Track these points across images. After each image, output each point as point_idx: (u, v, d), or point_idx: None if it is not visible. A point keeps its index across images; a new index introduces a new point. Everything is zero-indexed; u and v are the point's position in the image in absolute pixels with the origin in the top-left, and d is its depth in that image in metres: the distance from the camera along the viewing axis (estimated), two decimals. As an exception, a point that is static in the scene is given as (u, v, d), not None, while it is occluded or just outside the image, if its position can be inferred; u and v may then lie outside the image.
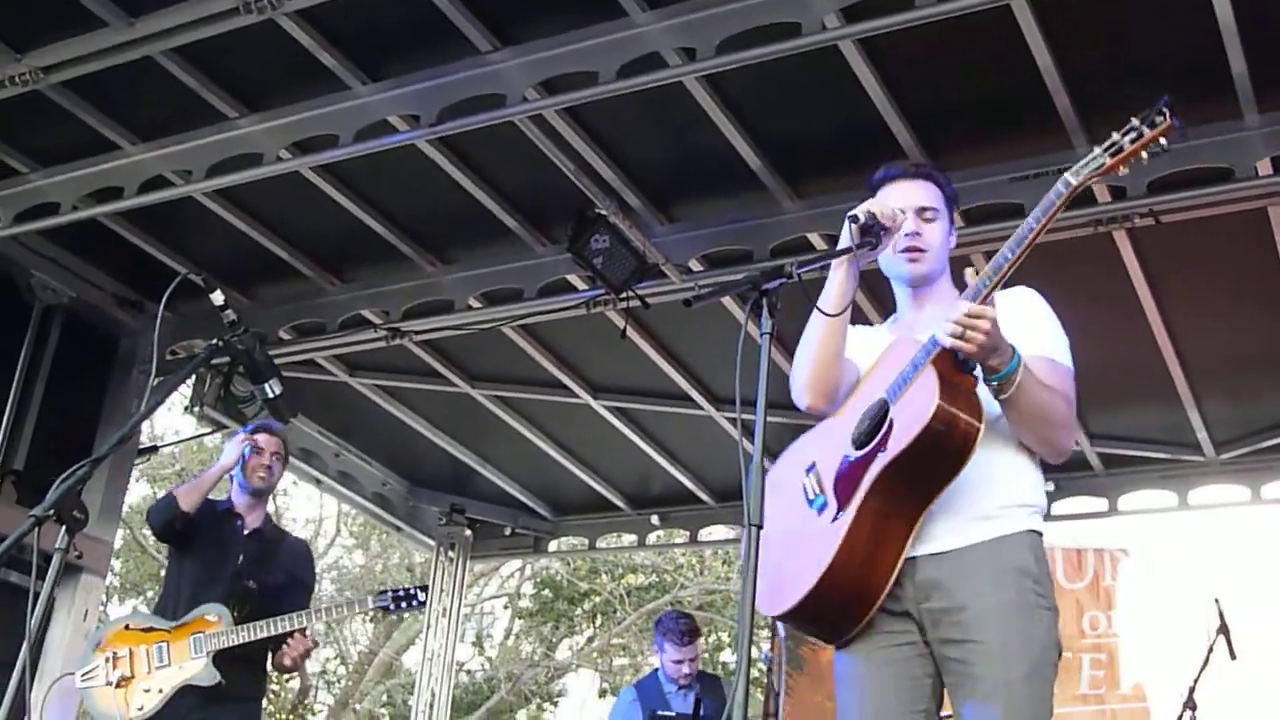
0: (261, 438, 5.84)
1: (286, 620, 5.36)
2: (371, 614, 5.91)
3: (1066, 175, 2.85)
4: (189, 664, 5.31)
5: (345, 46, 5.72)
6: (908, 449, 2.92)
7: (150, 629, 5.47)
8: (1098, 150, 2.83)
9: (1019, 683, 2.88)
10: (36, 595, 2.69)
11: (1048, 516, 8.43)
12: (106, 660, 5.38)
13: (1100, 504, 8.56)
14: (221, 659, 5.35)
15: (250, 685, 5.63)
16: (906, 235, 3.26)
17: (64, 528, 2.71)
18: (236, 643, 5.32)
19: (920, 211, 3.31)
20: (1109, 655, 10.07)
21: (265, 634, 5.36)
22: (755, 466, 2.64)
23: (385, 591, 5.64)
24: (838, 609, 3.06)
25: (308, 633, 5.44)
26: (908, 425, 2.94)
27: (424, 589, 5.68)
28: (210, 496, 5.82)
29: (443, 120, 5.68)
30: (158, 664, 5.33)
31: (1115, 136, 2.81)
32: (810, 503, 3.12)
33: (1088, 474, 8.42)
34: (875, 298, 5.76)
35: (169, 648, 5.36)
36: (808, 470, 3.19)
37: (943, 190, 3.39)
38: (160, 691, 5.28)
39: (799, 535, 2.82)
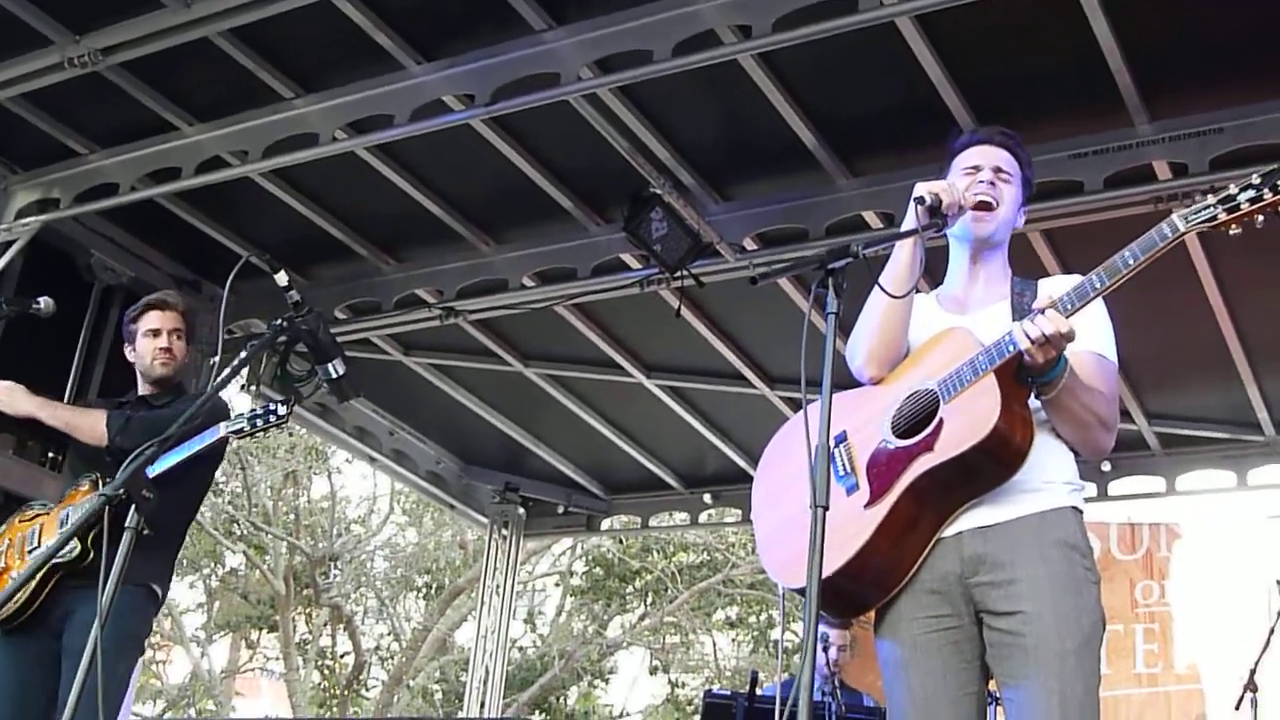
0: (152, 315, 4.91)
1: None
2: (237, 438, 4.36)
3: (1174, 219, 2.74)
4: (54, 541, 4.55)
5: (400, 26, 5.73)
6: (956, 458, 2.90)
7: (34, 515, 4.82)
8: (1212, 200, 2.71)
9: (1072, 654, 2.85)
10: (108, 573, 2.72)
11: (1105, 496, 8.39)
12: None
13: (1158, 484, 8.47)
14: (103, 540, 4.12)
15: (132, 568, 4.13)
16: (981, 182, 3.22)
17: (134, 506, 2.73)
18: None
19: (997, 171, 3.27)
20: (1162, 626, 9.98)
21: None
22: (820, 449, 2.63)
23: (241, 414, 4.38)
24: (859, 592, 3.06)
25: None
26: (961, 434, 2.91)
27: (285, 402, 4.37)
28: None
29: (497, 100, 5.70)
30: (30, 547, 4.68)
31: (1232, 189, 2.69)
32: (839, 477, 3.09)
33: (1145, 454, 8.32)
34: (928, 274, 5.73)
35: (40, 529, 4.72)
36: (838, 440, 3.16)
37: (1021, 165, 3.34)
38: (33, 579, 4.50)
39: None
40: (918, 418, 3.03)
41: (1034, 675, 2.85)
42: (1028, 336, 2.86)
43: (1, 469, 6.69)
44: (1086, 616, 2.92)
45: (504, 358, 8.23)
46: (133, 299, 7.51)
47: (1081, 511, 3.09)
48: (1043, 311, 2.87)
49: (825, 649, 6.48)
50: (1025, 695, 2.86)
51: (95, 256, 7.44)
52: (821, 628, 6.44)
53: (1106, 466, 8.23)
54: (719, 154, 6.44)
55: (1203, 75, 5.42)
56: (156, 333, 4.89)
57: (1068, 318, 2.86)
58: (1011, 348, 2.90)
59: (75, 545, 4.43)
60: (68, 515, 4.68)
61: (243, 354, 3.21)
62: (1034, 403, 3.01)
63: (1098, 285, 2.86)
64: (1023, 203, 3.35)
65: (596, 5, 5.46)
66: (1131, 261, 2.81)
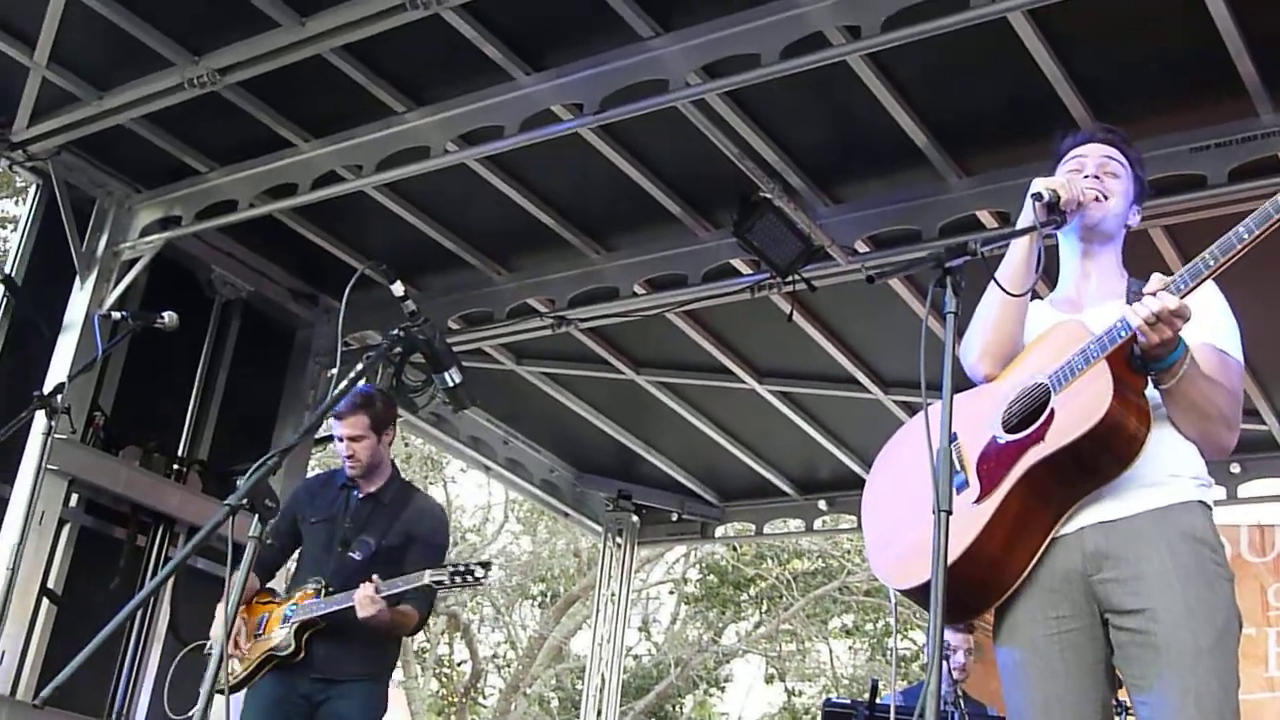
0: (335, 424, 5.25)
1: (348, 596, 4.86)
2: (438, 588, 5.08)
3: None
4: (276, 633, 5.03)
5: (508, 37, 5.78)
6: (1068, 447, 2.79)
7: (268, 601, 5.24)
8: None
9: (1207, 652, 2.71)
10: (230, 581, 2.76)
11: (1235, 498, 8.14)
12: None
13: (1290, 485, 8.23)
14: (325, 637, 4.97)
15: (362, 663, 5.06)
16: (1085, 176, 3.13)
17: (256, 516, 2.77)
18: (314, 615, 4.95)
19: (1102, 164, 3.18)
20: (1296, 631, 9.69)
21: (338, 607, 4.89)
22: (941, 452, 2.57)
23: (444, 567, 4.92)
24: (970, 591, 2.92)
25: (371, 592, 4.81)
26: (1072, 422, 2.80)
27: (486, 565, 4.98)
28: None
29: (606, 108, 5.71)
30: (256, 633, 5.11)
31: None
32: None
33: (1276, 455, 8.04)
34: (1047, 277, 5.62)
35: (269, 618, 5.12)
36: (949, 440, 3.08)
37: (1129, 162, 3.26)
38: (250, 660, 5.05)
39: (930, 508, 2.70)
40: (1029, 411, 2.94)
41: (1166, 675, 2.72)
42: (1139, 315, 2.76)
43: (128, 480, 6.86)
44: (1220, 613, 2.78)
45: (616, 365, 8.25)
46: (252, 313, 7.77)
47: (1210, 507, 2.95)
48: (1154, 293, 2.77)
49: (948, 655, 6.37)
50: (1158, 697, 2.73)
51: (216, 272, 7.62)
52: (951, 637, 6.34)
53: (1236, 468, 8.00)
54: (828, 156, 6.40)
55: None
56: (341, 439, 5.25)
57: (1185, 294, 2.75)
58: (1124, 332, 2.79)
59: (292, 643, 4.96)
60: (293, 611, 5.06)
61: (359, 366, 3.25)
62: (1154, 397, 2.89)
63: (1211, 263, 2.75)
64: (1135, 200, 3.25)
65: (703, 10, 5.45)
66: (1246, 236, 2.70)
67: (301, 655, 4.97)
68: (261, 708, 5.02)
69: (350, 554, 5.09)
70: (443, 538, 5.30)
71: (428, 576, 4.83)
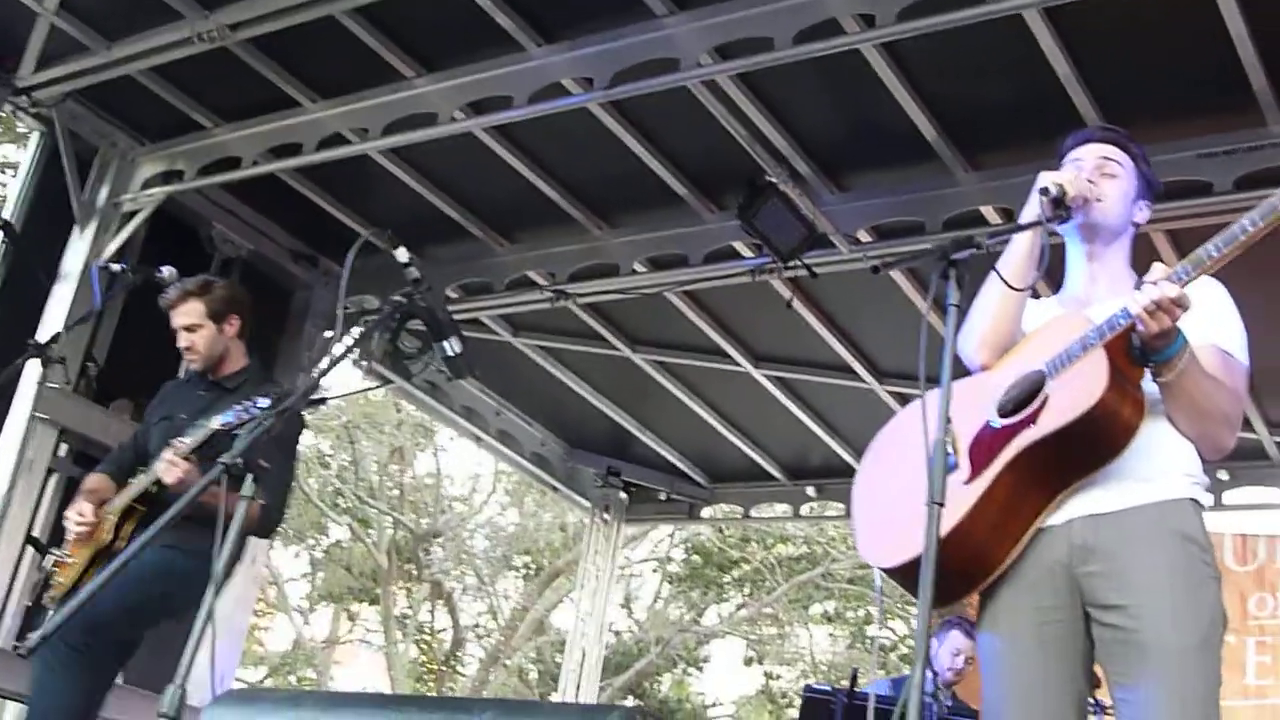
0: (171, 315, 4.87)
1: (149, 473, 4.49)
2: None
3: None
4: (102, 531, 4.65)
5: (522, 8, 5.76)
6: (1060, 431, 2.79)
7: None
8: None
9: (1192, 651, 2.72)
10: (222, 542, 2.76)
11: (1220, 505, 8.13)
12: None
13: (1278, 495, 8.21)
14: (145, 525, 4.20)
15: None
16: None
17: (251, 476, 2.77)
18: (126, 499, 4.59)
19: (1100, 164, 3.16)
20: (1275, 639, 9.70)
21: (146, 482, 4.52)
22: (937, 444, 2.57)
23: (234, 408, 4.24)
24: (953, 575, 2.84)
25: (170, 455, 4.36)
26: (1065, 406, 2.79)
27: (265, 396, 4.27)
28: None
29: (616, 84, 5.70)
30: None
31: None
32: None
33: (1265, 464, 8.04)
34: (1049, 277, 5.61)
35: (99, 520, 4.71)
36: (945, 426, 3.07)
37: (1134, 160, 3.23)
38: (78, 565, 4.67)
39: (921, 491, 2.68)
40: (1025, 398, 2.93)
41: (1151, 674, 2.71)
42: (1139, 303, 2.74)
43: (117, 433, 6.82)
44: (1206, 613, 2.78)
45: (612, 342, 8.24)
46: (251, 271, 7.74)
47: (1202, 505, 2.94)
48: (1155, 282, 2.75)
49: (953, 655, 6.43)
50: (1143, 695, 2.72)
51: (216, 229, 7.58)
52: (959, 640, 6.38)
53: (1224, 475, 8.01)
54: (837, 144, 6.38)
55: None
56: (177, 329, 4.87)
57: (1186, 283, 2.73)
58: (1123, 320, 2.78)
59: (111, 535, 4.55)
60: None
61: (359, 330, 3.24)
62: (1153, 392, 2.88)
63: (1214, 253, 2.73)
64: (1141, 197, 3.22)
65: (718, -9, 5.44)
66: (1250, 228, 2.68)
67: (119, 545, 4.55)
68: None
69: (182, 441, 4.48)
70: (290, 428, 4.69)
71: (216, 421, 4.26)
